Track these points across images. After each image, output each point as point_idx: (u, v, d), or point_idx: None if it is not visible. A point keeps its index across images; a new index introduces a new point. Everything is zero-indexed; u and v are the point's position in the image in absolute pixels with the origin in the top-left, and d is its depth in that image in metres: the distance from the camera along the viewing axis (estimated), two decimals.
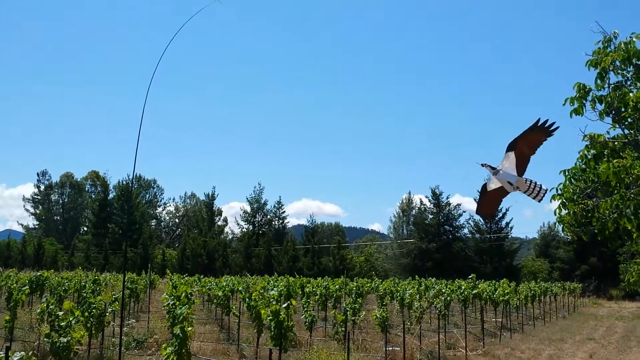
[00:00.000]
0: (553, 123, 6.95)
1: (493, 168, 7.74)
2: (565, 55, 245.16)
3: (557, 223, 8.08)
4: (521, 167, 7.70)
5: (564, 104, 7.34)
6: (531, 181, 7.83)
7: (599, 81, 7.15)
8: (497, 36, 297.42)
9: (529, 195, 7.97)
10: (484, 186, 8.25)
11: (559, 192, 7.82)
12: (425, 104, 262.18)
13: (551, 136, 7.05)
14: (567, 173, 7.72)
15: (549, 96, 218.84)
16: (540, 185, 7.80)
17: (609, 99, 7.04)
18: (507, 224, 72.62)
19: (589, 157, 7.29)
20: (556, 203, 7.84)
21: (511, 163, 7.70)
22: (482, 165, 7.85)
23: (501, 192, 8.05)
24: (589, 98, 7.19)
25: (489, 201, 8.53)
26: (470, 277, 23.99)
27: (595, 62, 7.14)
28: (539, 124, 7.02)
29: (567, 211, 7.78)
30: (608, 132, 7.40)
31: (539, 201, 7.95)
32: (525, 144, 7.67)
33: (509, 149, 7.69)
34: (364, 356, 14.81)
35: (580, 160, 7.48)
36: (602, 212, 7.24)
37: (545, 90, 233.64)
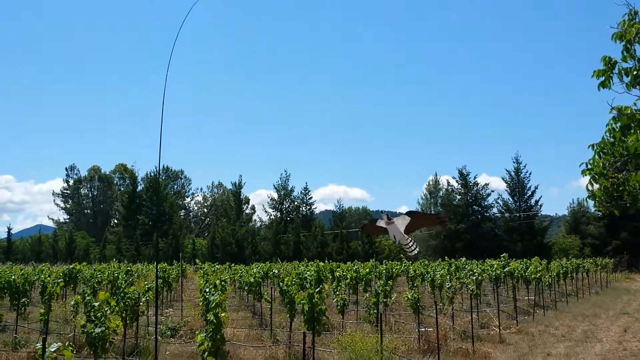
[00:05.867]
0: (450, 219, 10.34)
1: (389, 218, 10.81)
2: (592, 30, 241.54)
3: (588, 198, 8.02)
4: (409, 229, 10.70)
5: (591, 77, 7.27)
6: (412, 241, 11.18)
7: (625, 53, 7.07)
8: (523, 13, 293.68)
9: (404, 248, 11.50)
10: (375, 220, 11.67)
11: (589, 166, 7.75)
12: (448, 85, 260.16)
13: (443, 227, 10.89)
14: (595, 147, 7.65)
15: (577, 71, 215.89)
16: (417, 247, 11.50)
17: (636, 71, 6.96)
18: (537, 201, 72.25)
19: (617, 129, 7.21)
20: (586, 178, 7.78)
21: (404, 223, 10.61)
22: (382, 212, 11.29)
23: (383, 231, 11.31)
24: (616, 71, 7.11)
25: (373, 229, 12.15)
26: (502, 255, 23.86)
27: (620, 34, 7.06)
28: (440, 215, 10.49)
29: (598, 186, 7.72)
30: (635, 104, 7.32)
31: (408, 257, 11.90)
32: (423, 220, 11.92)
33: (408, 214, 10.86)
34: (397, 337, 14.83)
35: (608, 134, 7.41)
36: (632, 184, 7.18)
37: (573, 65, 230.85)
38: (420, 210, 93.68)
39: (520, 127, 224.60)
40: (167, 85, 9.51)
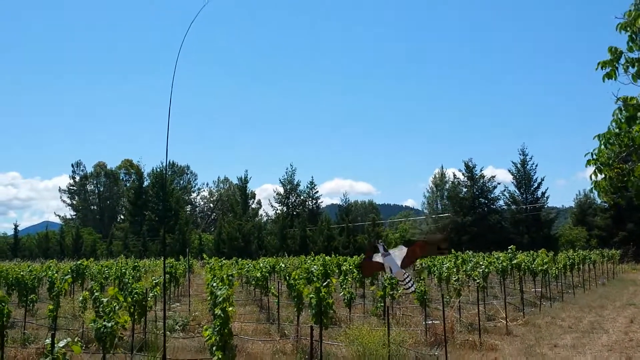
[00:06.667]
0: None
1: (385, 250, 9.87)
2: (597, 23, 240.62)
3: (592, 189, 8.02)
4: (406, 262, 9.81)
5: (596, 69, 7.25)
6: (408, 275, 10.16)
7: (630, 44, 7.04)
8: (528, 6, 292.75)
9: (400, 284, 11.11)
10: (371, 256, 10.45)
11: (594, 157, 7.74)
12: (454, 78, 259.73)
13: (444, 254, 9.95)
14: (601, 138, 7.63)
15: (582, 63, 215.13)
16: (413, 283, 10.66)
17: None
18: (543, 193, 72.12)
19: (622, 120, 7.19)
20: (591, 169, 7.77)
21: (401, 255, 9.71)
22: (378, 242, 10.38)
23: (380, 267, 10.18)
24: (621, 61, 7.09)
25: (370, 267, 11.21)
26: (510, 247, 23.81)
27: (626, 24, 7.03)
28: (441, 241, 9.66)
29: (602, 176, 7.71)
30: None
31: (405, 292, 11.30)
32: (421, 248, 10.18)
33: (405, 244, 10.02)
34: (404, 330, 14.86)
35: (614, 124, 7.39)
36: (638, 175, 7.17)
37: (578, 57, 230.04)
38: (423, 208, 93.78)
39: (526, 120, 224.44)
40: (174, 81, 9.54)
